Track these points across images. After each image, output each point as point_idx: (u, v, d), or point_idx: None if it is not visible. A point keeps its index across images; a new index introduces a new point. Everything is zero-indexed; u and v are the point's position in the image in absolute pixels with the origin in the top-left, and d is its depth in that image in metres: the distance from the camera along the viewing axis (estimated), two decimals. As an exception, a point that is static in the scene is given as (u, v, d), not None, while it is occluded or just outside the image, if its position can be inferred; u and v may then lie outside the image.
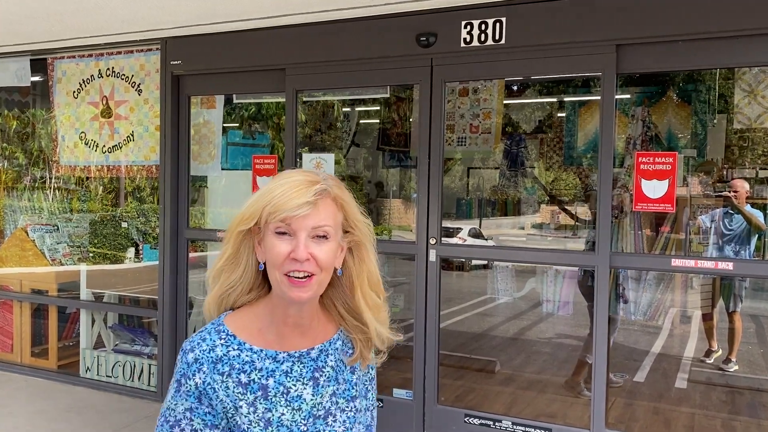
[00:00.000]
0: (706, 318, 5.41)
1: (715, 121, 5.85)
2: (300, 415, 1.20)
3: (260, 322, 1.23)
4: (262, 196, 1.19)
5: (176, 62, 4.38)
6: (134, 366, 4.66)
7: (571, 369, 4.64)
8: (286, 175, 1.21)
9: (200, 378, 1.17)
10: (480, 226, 9.85)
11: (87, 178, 5.24)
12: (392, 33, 3.67)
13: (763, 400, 4.84)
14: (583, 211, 7.82)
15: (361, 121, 7.48)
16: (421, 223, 3.70)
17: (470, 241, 8.80)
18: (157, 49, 4.50)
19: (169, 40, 4.38)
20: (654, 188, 3.25)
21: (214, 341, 1.20)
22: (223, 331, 1.22)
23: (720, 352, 5.26)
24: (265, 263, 1.21)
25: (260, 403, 1.18)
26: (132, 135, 4.68)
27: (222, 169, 4.63)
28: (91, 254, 5.14)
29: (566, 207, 8.29)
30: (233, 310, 1.26)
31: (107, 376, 4.74)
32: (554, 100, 8.43)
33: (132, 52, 4.64)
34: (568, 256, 3.74)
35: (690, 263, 3.17)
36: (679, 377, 5.04)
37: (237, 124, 5.35)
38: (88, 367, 4.81)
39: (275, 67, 4.07)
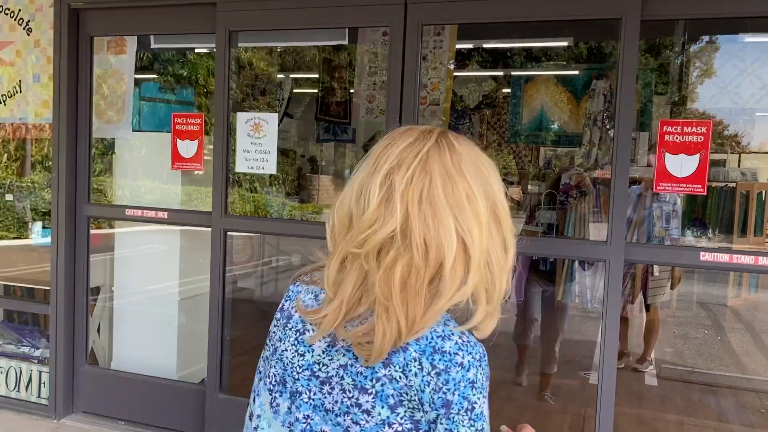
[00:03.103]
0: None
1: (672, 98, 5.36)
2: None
3: None
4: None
5: (74, -8, 3.32)
6: (20, 373, 3.62)
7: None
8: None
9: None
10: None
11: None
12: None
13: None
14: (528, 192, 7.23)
15: (295, 90, 6.66)
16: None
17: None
18: (49, -26, 3.42)
19: (65, -37, 3.31)
20: (681, 165, 2.53)
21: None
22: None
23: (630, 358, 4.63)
24: None
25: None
26: (19, 85, 3.58)
27: (134, 130, 3.61)
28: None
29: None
30: None
31: (-14, 384, 3.68)
32: (501, 74, 7.92)
33: (17, -22, 3.54)
34: (572, 246, 2.98)
35: (723, 258, 2.47)
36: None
37: (155, 76, 4.30)
38: (-39, 373, 3.73)
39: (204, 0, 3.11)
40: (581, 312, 5.38)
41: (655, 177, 2.56)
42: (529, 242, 2.88)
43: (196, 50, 5.21)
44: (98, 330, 3.77)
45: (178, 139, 3.30)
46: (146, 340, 3.64)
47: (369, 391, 0.96)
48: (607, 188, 4.72)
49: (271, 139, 3.05)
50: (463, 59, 6.52)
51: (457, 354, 0.94)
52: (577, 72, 5.62)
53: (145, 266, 3.71)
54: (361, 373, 0.97)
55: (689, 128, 2.53)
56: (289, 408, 1.03)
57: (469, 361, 0.94)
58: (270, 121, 3.08)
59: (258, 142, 3.07)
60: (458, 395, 0.94)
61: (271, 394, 1.06)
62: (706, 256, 2.49)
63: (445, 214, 0.95)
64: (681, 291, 6.34)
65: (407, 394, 0.95)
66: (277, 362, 1.05)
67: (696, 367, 4.92)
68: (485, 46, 7.35)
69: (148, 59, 4.24)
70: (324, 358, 1.01)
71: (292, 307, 1.07)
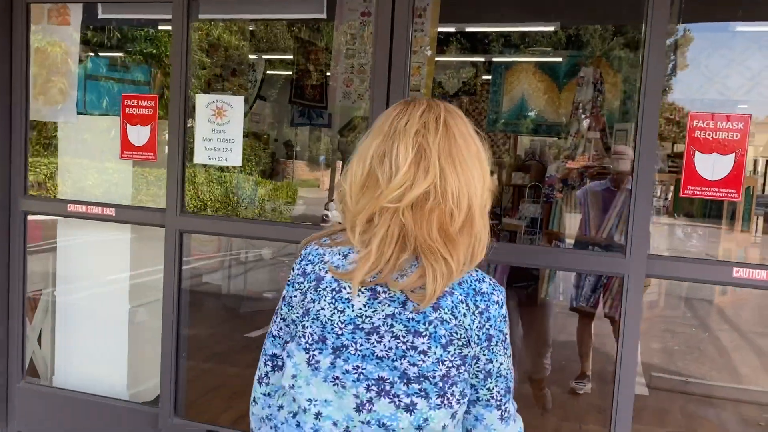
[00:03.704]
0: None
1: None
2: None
3: None
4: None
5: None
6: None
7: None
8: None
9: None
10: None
11: None
12: None
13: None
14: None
15: (269, 72, 6.22)
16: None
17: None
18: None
19: None
20: (713, 165, 2.16)
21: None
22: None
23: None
24: None
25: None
26: (-56, 59, 3.06)
27: (79, 113, 3.12)
28: None
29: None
30: None
31: None
32: (482, 59, 7.66)
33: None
34: (585, 258, 2.59)
35: (761, 274, 2.12)
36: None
37: (111, 54, 3.79)
38: None
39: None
40: (564, 310, 5.06)
41: (683, 179, 2.19)
42: (532, 252, 2.49)
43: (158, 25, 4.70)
44: (39, 339, 3.30)
45: (128, 124, 2.83)
46: (93, 351, 3.17)
47: (423, 334, 1.06)
48: (598, 183, 4.42)
49: (236, 126, 2.60)
50: (440, 45, 6.24)
51: (492, 294, 1.11)
52: (560, 59, 5.29)
53: (92, 264, 3.22)
54: (413, 319, 1.06)
55: (723, 123, 2.16)
56: (332, 363, 1.07)
57: (501, 299, 1.11)
58: (235, 105, 2.62)
59: (221, 129, 2.62)
60: (496, 329, 1.10)
61: (308, 353, 1.09)
62: (739, 273, 2.13)
63: (470, 167, 1.09)
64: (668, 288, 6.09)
65: (457, 333, 1.06)
66: (313, 322, 1.10)
67: (689, 373, 4.62)
68: (468, 29, 7.01)
69: (96, 32, 3.72)
70: (366, 311, 1.08)
71: (321, 269, 1.13)
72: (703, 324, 6.02)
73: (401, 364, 1.05)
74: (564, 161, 5.49)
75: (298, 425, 1.10)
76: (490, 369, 1.11)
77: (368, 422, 1.05)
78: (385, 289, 1.07)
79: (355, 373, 1.06)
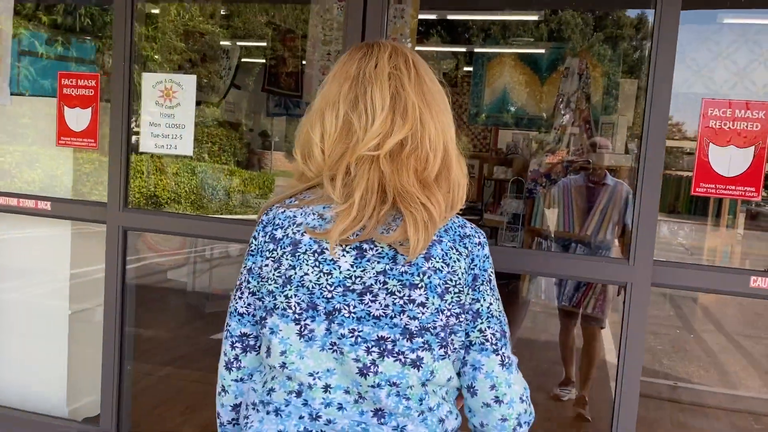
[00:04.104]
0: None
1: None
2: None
3: None
4: None
5: None
6: None
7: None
8: None
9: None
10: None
11: None
12: None
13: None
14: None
15: (245, 59, 5.88)
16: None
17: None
18: None
19: None
20: (730, 161, 1.88)
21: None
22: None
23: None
24: None
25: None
26: None
27: (13, 93, 2.74)
28: None
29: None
30: None
31: None
32: (463, 50, 7.52)
33: None
34: (578, 264, 2.27)
35: (782, 285, 1.85)
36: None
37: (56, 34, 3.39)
38: None
39: None
40: (545, 309, 4.80)
41: (694, 175, 1.90)
42: (517, 256, 2.19)
43: None
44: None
45: (65, 107, 2.47)
46: (27, 361, 2.81)
47: (419, 285, 1.01)
48: (581, 177, 4.14)
49: (186, 110, 2.26)
50: (421, 36, 6.07)
51: (474, 236, 1.09)
52: (543, 51, 5.08)
53: (27, 263, 2.86)
54: (406, 272, 1.01)
55: (742, 111, 1.88)
56: (328, 329, 1.01)
57: (483, 241, 1.10)
58: (186, 85, 2.28)
59: (169, 112, 2.27)
60: (481, 269, 1.07)
61: (298, 324, 1.02)
62: (757, 282, 1.86)
63: (443, 111, 1.08)
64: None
65: (452, 280, 1.03)
66: (298, 289, 1.02)
67: (676, 376, 4.39)
68: (450, 17, 6.78)
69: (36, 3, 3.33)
70: (355, 270, 1.01)
71: (296, 232, 1.05)
72: (687, 324, 5.82)
73: (401, 320, 0.99)
74: (546, 155, 5.25)
75: (305, 403, 1.02)
76: (478, 309, 1.06)
77: (378, 384, 0.99)
78: (372, 246, 1.02)
79: (352, 336, 0.99)
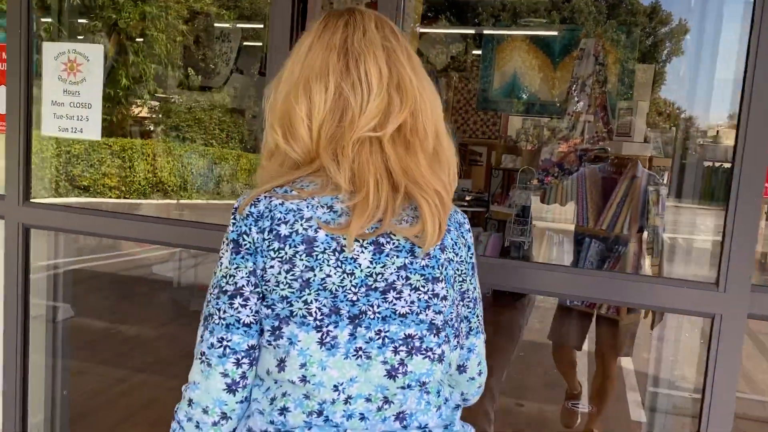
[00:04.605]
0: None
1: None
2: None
3: None
4: None
5: None
6: None
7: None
8: None
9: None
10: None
11: None
12: None
13: None
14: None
15: (249, 43, 5.61)
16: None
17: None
18: None
19: None
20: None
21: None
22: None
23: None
24: None
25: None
26: None
27: None
28: None
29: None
30: None
31: None
32: (472, 32, 7.24)
33: None
34: (651, 291, 1.60)
35: None
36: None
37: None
38: None
39: None
40: (553, 309, 4.36)
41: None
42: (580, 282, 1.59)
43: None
44: None
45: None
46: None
47: (440, 278, 0.97)
48: (598, 167, 3.73)
49: (93, 87, 1.87)
50: (428, 21, 5.93)
51: (465, 223, 1.07)
52: (556, 33, 4.80)
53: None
54: (427, 266, 0.96)
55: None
56: (352, 334, 0.92)
57: (470, 225, 1.09)
58: (93, 57, 1.88)
59: (74, 89, 1.89)
60: (470, 253, 1.06)
61: (320, 331, 0.92)
62: None
63: (430, 84, 0.99)
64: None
65: (459, 269, 1.01)
66: (319, 293, 0.91)
67: (693, 386, 3.91)
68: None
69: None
70: (375, 267, 0.94)
71: (308, 228, 0.92)
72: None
73: (426, 315, 0.95)
74: (559, 143, 4.90)
75: (327, 420, 0.93)
76: (476, 296, 1.07)
77: (408, 386, 0.94)
78: (389, 239, 0.94)
79: (378, 338, 0.93)
